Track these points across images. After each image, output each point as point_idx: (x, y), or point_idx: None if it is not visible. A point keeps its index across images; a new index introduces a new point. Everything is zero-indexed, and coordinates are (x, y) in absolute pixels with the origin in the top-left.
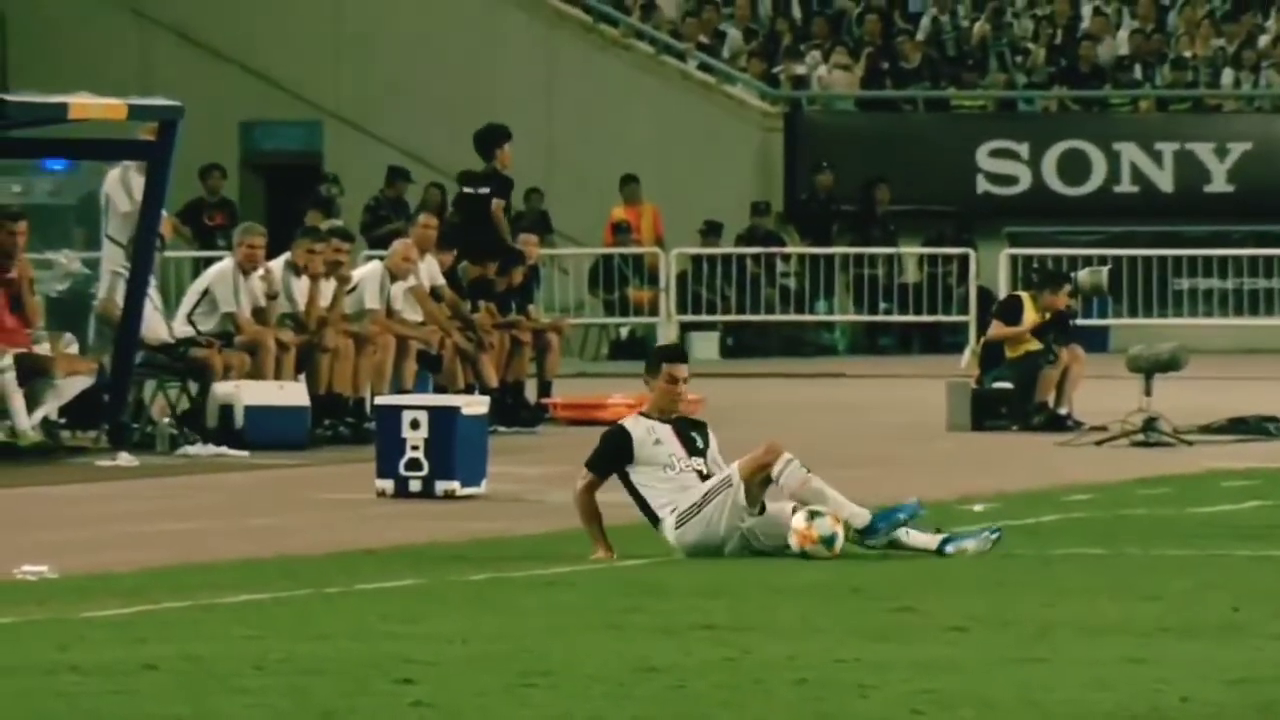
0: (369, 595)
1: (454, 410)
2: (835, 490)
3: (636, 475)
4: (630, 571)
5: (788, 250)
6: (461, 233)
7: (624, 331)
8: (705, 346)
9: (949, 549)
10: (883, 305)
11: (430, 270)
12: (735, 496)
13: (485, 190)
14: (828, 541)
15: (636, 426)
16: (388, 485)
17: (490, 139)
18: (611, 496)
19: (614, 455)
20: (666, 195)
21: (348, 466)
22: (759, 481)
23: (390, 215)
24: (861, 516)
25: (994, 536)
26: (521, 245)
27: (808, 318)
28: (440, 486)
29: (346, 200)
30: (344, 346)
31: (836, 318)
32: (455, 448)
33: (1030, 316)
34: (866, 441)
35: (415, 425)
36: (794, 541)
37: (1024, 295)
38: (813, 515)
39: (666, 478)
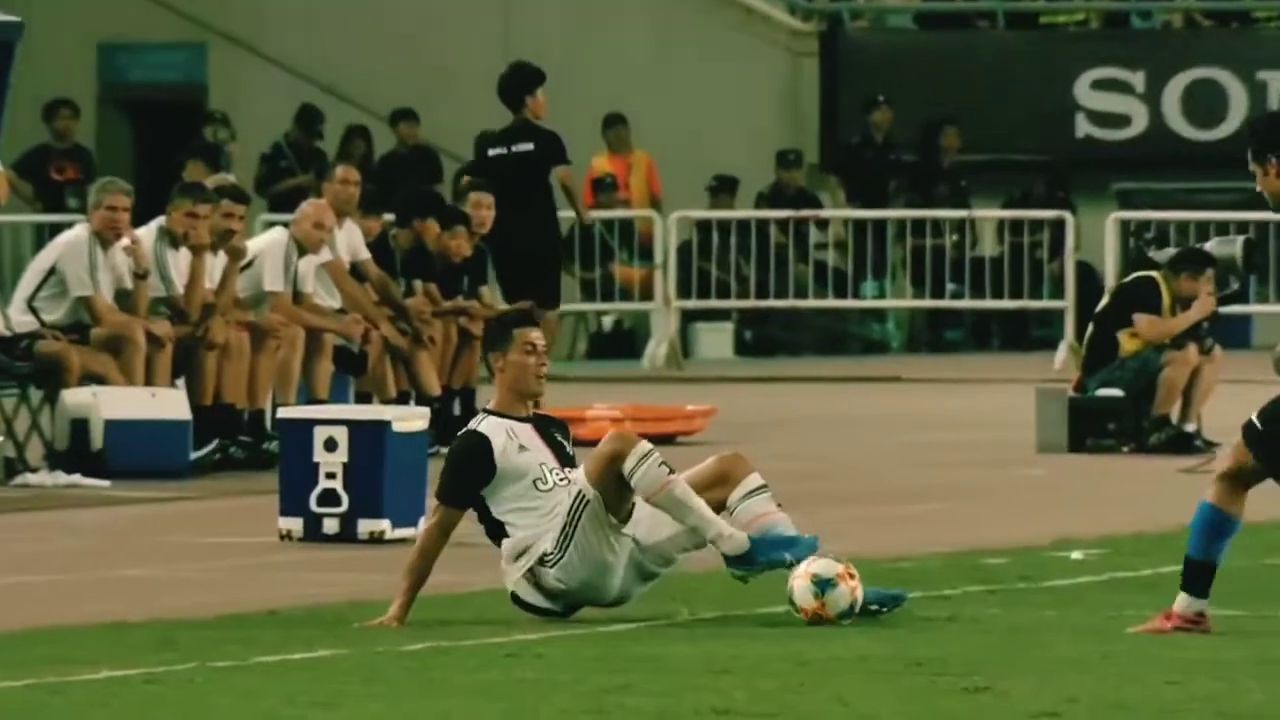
0: (271, 671)
1: (383, 426)
2: (701, 501)
3: (496, 501)
4: (618, 639)
5: (825, 214)
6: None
7: (608, 321)
8: (716, 342)
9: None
10: (950, 287)
11: (351, 241)
12: (597, 512)
13: (527, 147)
14: (819, 584)
15: (494, 430)
16: (295, 525)
17: (518, 83)
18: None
19: (473, 474)
20: (664, 141)
21: (242, 501)
22: (614, 484)
23: (296, 168)
24: (737, 541)
25: (884, 609)
26: (470, 208)
27: (851, 304)
28: (364, 527)
29: (240, 147)
30: (237, 341)
31: (890, 303)
32: (384, 476)
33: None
34: (930, 467)
35: (331, 446)
36: (800, 615)
37: (1156, 276)
38: (820, 585)
39: (535, 500)
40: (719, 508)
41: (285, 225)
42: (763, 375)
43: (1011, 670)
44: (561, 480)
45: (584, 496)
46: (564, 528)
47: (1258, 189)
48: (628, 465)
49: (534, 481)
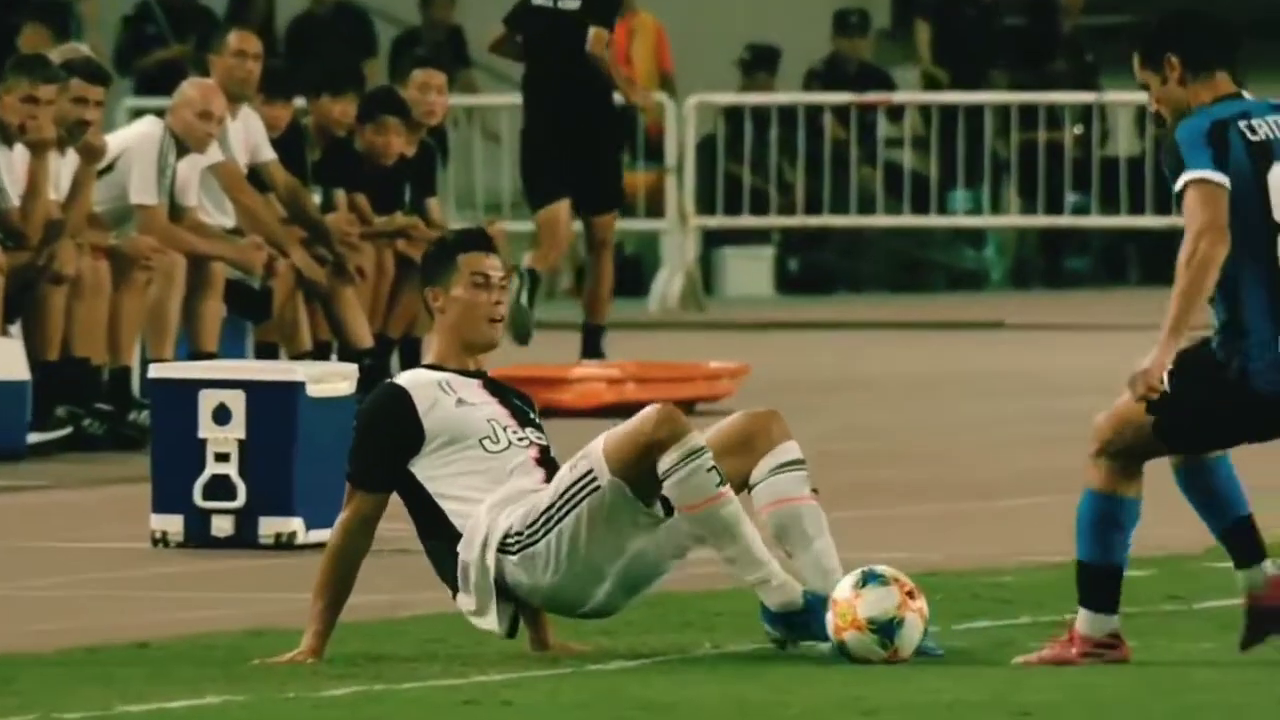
0: None
1: (294, 389)
2: (753, 528)
3: (429, 475)
4: (614, 679)
5: (900, 98)
6: (532, 77)
7: None
8: (750, 273)
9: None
10: (1072, 199)
11: (249, 135)
12: (609, 507)
13: (573, 5)
14: (883, 629)
15: (419, 383)
16: (173, 525)
17: None
18: None
19: (391, 440)
20: (677, 2)
21: (101, 492)
22: (642, 476)
23: (171, 35)
24: (788, 593)
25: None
26: (414, 90)
27: (937, 222)
28: (268, 527)
29: (94, 6)
30: (92, 273)
31: (989, 221)
32: (295, 458)
33: None
34: (1041, 446)
35: (223, 417)
36: (829, 624)
37: None
38: (884, 632)
39: (485, 463)
40: (742, 483)
41: (159, 114)
42: (812, 320)
43: None
44: (520, 440)
45: (593, 480)
46: (549, 508)
47: (1152, 108)
48: (667, 461)
49: (481, 441)
